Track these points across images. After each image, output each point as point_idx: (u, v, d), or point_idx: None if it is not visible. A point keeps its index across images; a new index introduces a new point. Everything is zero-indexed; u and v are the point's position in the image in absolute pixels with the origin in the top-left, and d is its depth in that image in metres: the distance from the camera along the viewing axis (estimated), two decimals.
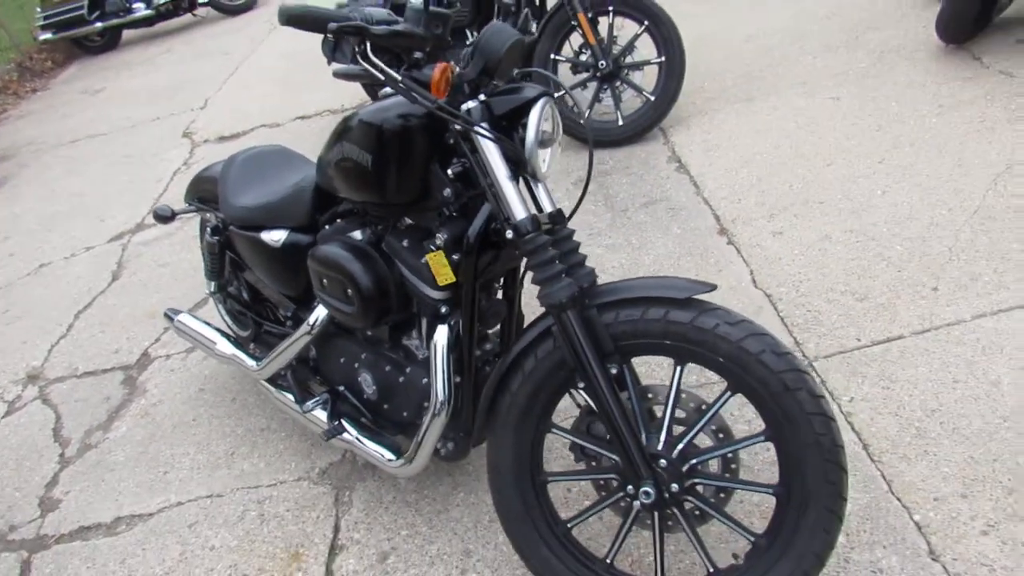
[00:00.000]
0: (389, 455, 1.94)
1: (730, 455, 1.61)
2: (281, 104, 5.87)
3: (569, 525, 1.69)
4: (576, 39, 3.74)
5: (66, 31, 9.13)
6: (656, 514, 1.58)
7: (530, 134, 1.49)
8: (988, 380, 2.00)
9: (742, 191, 3.11)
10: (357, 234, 1.88)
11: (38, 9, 9.24)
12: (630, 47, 3.71)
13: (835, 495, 1.43)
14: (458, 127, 1.52)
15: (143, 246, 4.23)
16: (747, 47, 4.35)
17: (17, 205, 5.39)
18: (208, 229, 2.40)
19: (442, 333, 1.75)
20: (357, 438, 2.00)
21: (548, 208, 1.63)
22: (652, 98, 3.67)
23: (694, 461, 1.54)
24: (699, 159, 3.44)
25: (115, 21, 9.05)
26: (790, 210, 2.90)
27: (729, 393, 1.52)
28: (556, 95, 1.67)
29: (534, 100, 1.51)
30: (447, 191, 1.63)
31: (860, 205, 2.81)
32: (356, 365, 2.04)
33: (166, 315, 2.75)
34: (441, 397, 1.75)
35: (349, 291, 1.79)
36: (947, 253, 2.47)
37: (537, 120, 1.49)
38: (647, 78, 3.75)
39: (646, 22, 3.60)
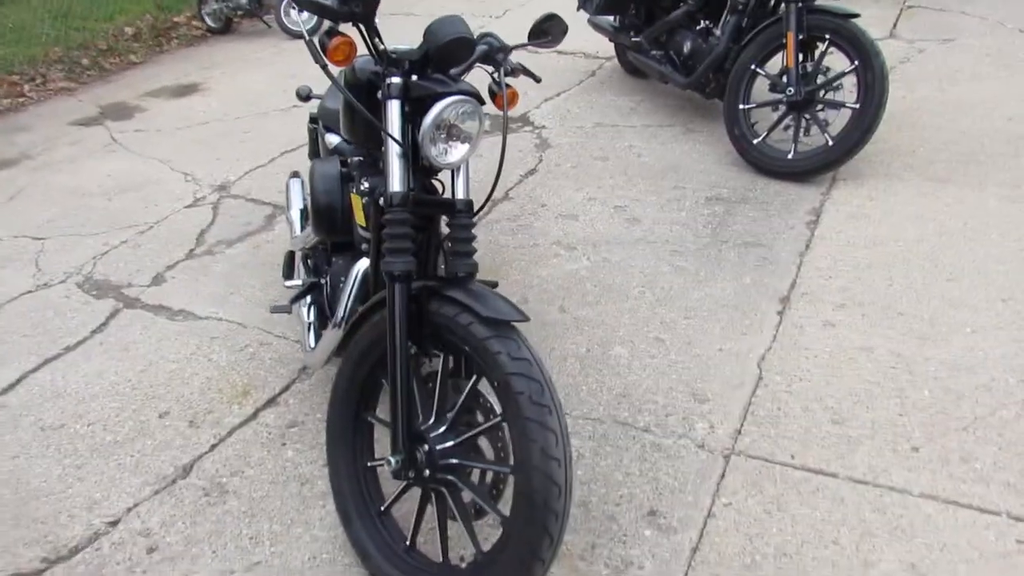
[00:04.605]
0: (310, 345, 2.27)
1: (501, 475, 1.70)
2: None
3: (370, 464, 1.90)
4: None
5: None
6: (421, 490, 1.74)
7: (424, 123, 1.64)
8: (866, 560, 1.78)
9: (841, 270, 2.83)
10: (353, 159, 2.16)
11: None
12: (832, 83, 3.42)
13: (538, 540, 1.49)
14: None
15: None
16: (1001, 126, 3.72)
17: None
18: (309, 115, 2.84)
19: (360, 264, 2.01)
20: (303, 322, 2.36)
21: (460, 195, 1.79)
22: (831, 142, 3.37)
23: (454, 460, 1.66)
24: (836, 222, 3.14)
25: None
26: (864, 308, 2.61)
27: (500, 418, 1.60)
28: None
29: (442, 96, 1.64)
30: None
31: (936, 334, 2.45)
32: (329, 267, 2.37)
33: (292, 174, 3.28)
34: (340, 315, 2.02)
35: (312, 202, 2.10)
36: (968, 421, 2.12)
37: (435, 114, 1.64)
38: (842, 120, 3.43)
39: (856, 62, 3.28)
